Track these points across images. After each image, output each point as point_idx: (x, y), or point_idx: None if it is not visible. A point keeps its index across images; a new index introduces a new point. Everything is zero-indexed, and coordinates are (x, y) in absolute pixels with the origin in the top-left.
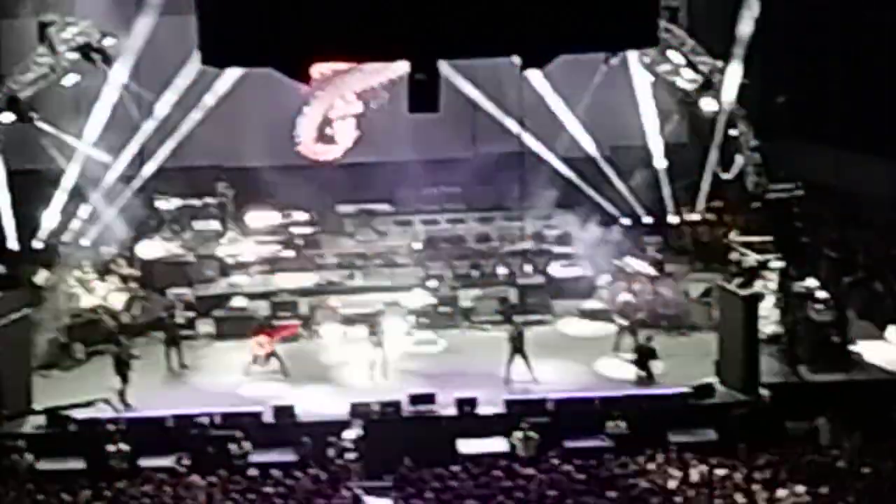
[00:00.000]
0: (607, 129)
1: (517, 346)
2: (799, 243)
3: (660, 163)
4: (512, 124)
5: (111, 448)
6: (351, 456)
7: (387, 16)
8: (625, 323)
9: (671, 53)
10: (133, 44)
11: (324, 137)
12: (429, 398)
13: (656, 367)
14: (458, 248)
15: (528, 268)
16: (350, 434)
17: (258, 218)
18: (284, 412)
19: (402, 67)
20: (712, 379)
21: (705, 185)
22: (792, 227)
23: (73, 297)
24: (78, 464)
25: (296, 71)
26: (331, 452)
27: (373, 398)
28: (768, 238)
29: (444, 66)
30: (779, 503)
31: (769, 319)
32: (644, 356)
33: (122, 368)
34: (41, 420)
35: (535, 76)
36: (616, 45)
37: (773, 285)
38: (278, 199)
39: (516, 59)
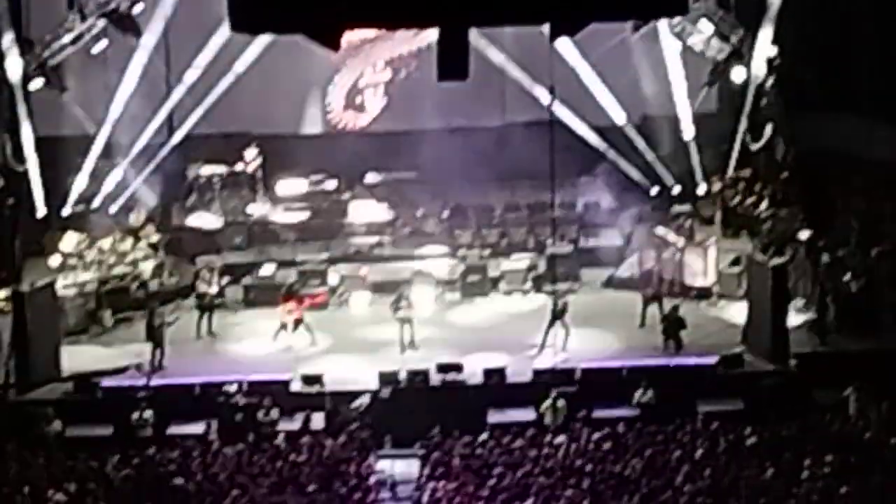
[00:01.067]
0: (637, 99)
1: (558, 315)
2: (828, 213)
3: (689, 132)
4: (541, 92)
5: (135, 416)
6: (358, 425)
7: None
8: (652, 292)
9: (701, 23)
10: (162, 10)
11: (353, 105)
12: (456, 367)
13: (684, 335)
14: (487, 217)
15: (557, 236)
16: (358, 403)
17: (287, 185)
18: (313, 380)
19: (431, 35)
20: (740, 348)
21: (734, 155)
22: (821, 197)
23: (102, 264)
24: (106, 430)
25: (326, 38)
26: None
27: (401, 367)
28: (797, 208)
29: (474, 34)
30: (806, 472)
31: (798, 289)
32: (673, 325)
33: (155, 334)
34: (69, 387)
35: (564, 44)
36: (646, 14)
37: (802, 255)
38: (307, 167)
39: (546, 28)
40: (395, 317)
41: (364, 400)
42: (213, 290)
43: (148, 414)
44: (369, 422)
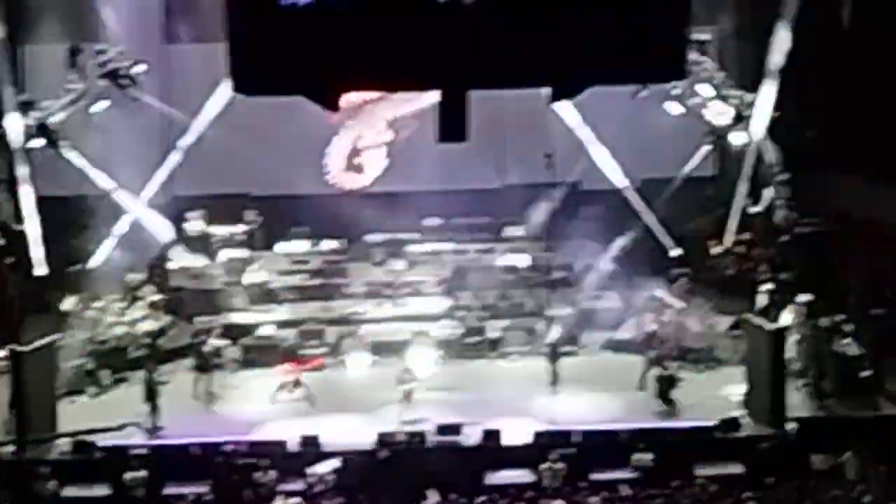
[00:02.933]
0: (637, 161)
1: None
2: (827, 276)
3: (689, 195)
4: (541, 155)
5: (129, 476)
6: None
7: (417, 45)
8: (651, 355)
9: (700, 86)
10: (163, 71)
11: (353, 166)
12: (455, 429)
13: (680, 397)
14: (486, 279)
15: (556, 299)
16: (321, 468)
17: (286, 246)
18: (310, 441)
19: (431, 97)
20: (739, 412)
21: (734, 218)
22: (820, 261)
23: (101, 324)
24: (103, 491)
25: (326, 99)
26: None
27: (399, 428)
28: (796, 271)
29: (474, 96)
30: None
31: (796, 353)
32: (664, 384)
33: (152, 394)
34: (66, 446)
35: (564, 107)
36: (645, 79)
37: (801, 319)
38: (306, 227)
39: (546, 91)
40: (400, 390)
41: (332, 464)
42: (212, 350)
43: (142, 474)
44: (341, 485)
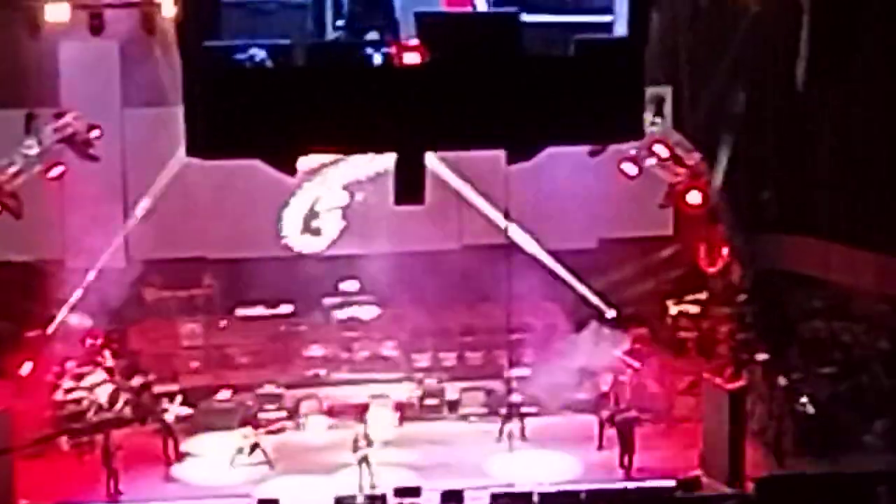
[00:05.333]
0: (593, 222)
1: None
2: (784, 335)
3: (645, 255)
4: (498, 217)
5: None
6: None
7: (373, 107)
8: (608, 414)
9: (657, 146)
10: (119, 135)
11: (309, 229)
12: (414, 491)
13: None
14: (444, 340)
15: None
16: None
17: (243, 310)
18: None
19: (388, 159)
20: (698, 472)
21: (692, 278)
22: (778, 320)
23: (58, 389)
24: None
25: (283, 163)
26: None
27: (358, 491)
28: (754, 331)
29: (430, 159)
30: None
31: (755, 412)
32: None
33: (110, 460)
34: None
35: (521, 168)
36: (601, 138)
37: (759, 378)
38: (264, 291)
39: (502, 152)
40: (355, 456)
41: None
42: (170, 415)
43: None
44: None
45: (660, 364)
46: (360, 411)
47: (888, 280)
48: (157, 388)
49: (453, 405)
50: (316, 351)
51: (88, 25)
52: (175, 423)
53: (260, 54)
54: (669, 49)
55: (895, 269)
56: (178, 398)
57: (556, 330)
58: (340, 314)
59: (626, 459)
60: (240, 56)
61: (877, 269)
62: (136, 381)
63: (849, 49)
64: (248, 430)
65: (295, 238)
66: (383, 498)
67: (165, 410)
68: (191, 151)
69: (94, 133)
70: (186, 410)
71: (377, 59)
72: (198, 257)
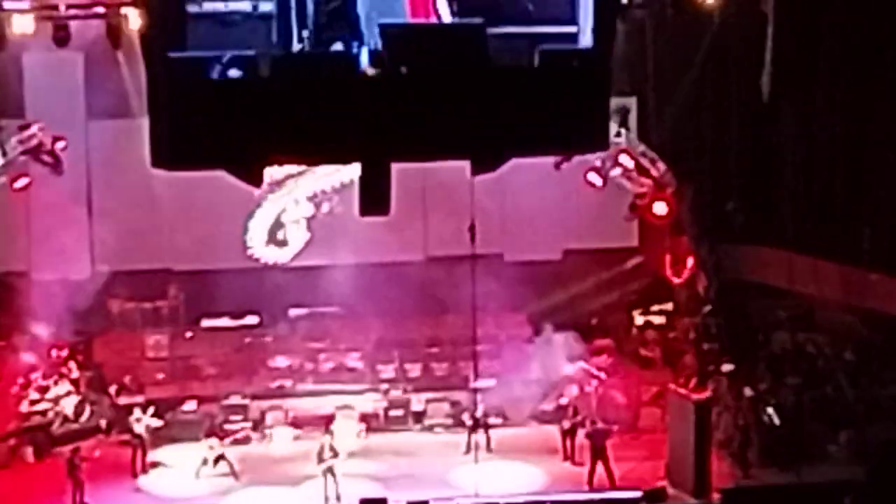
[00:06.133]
0: (559, 233)
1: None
2: (750, 346)
3: (610, 266)
4: (463, 227)
5: None
6: None
7: (338, 118)
8: (570, 424)
9: (622, 157)
10: (84, 146)
11: (275, 240)
12: (380, 502)
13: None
14: (410, 351)
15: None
16: None
17: (209, 321)
18: None
19: (353, 170)
20: (663, 483)
21: (657, 289)
22: (743, 330)
23: (24, 401)
24: None
25: (248, 174)
26: None
27: (324, 502)
28: (719, 341)
29: (395, 169)
30: None
31: (721, 423)
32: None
33: (76, 472)
34: None
35: (486, 179)
36: (567, 149)
37: (725, 389)
38: (229, 302)
39: (467, 163)
40: (320, 467)
41: None
42: (135, 426)
43: None
44: None
45: (625, 374)
46: (326, 422)
47: (852, 291)
48: (123, 400)
49: (418, 416)
50: (281, 362)
51: (53, 37)
52: (146, 433)
53: (225, 65)
54: (635, 59)
55: (859, 280)
56: (151, 409)
57: (522, 341)
58: (306, 325)
59: (597, 471)
60: (205, 67)
61: (841, 280)
62: (100, 392)
63: (813, 60)
64: (214, 441)
65: (260, 249)
66: None
67: (138, 420)
68: (156, 162)
69: (60, 144)
70: (157, 422)
71: (342, 69)
72: (163, 269)
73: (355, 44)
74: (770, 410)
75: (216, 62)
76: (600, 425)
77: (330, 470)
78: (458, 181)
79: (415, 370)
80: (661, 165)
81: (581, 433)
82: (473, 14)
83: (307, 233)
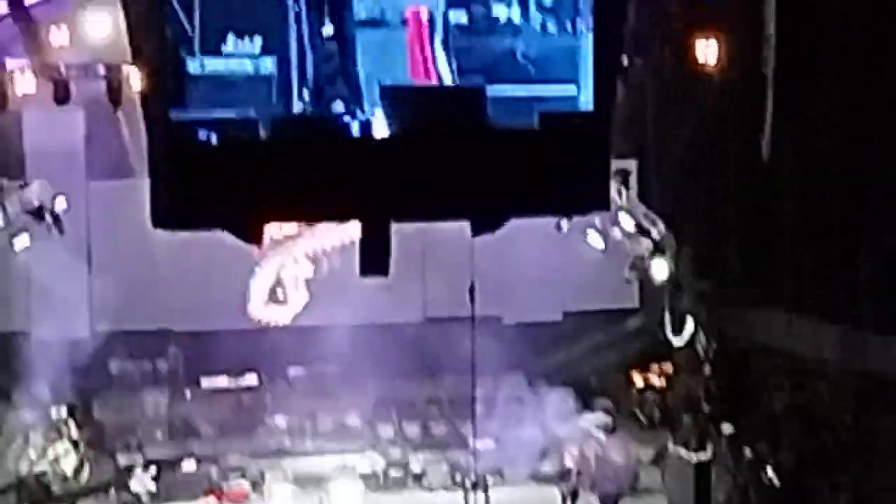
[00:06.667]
0: (559, 294)
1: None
2: (750, 408)
3: (611, 327)
4: (462, 288)
5: None
6: None
7: (338, 179)
8: (571, 487)
9: (623, 218)
10: (85, 207)
11: (275, 299)
12: None
13: None
14: (409, 412)
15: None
16: None
17: (208, 381)
18: None
19: (353, 230)
20: None
21: (657, 350)
22: (743, 392)
23: (23, 461)
24: None
25: (247, 234)
26: None
27: None
28: (719, 403)
29: (395, 230)
30: None
31: (720, 484)
32: None
33: None
34: None
35: (487, 240)
36: (567, 210)
37: (725, 450)
38: (229, 362)
39: (467, 224)
40: None
41: None
42: (135, 485)
43: None
44: None
45: (625, 435)
46: (325, 482)
47: (852, 352)
48: (122, 459)
49: (417, 476)
50: (280, 421)
51: (54, 95)
52: (145, 493)
53: (225, 126)
54: (634, 119)
55: (858, 340)
56: (151, 469)
57: (520, 401)
58: (304, 384)
59: None
60: (205, 128)
61: (841, 341)
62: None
63: (813, 120)
64: (213, 500)
65: (259, 309)
66: None
67: (137, 480)
68: (155, 223)
69: (60, 203)
70: (153, 487)
71: (342, 130)
72: (163, 329)
73: (355, 104)
74: (770, 471)
75: (216, 123)
76: (611, 488)
77: None
78: (458, 242)
79: (414, 430)
80: (662, 227)
81: (583, 495)
82: (473, 74)
83: (306, 292)
